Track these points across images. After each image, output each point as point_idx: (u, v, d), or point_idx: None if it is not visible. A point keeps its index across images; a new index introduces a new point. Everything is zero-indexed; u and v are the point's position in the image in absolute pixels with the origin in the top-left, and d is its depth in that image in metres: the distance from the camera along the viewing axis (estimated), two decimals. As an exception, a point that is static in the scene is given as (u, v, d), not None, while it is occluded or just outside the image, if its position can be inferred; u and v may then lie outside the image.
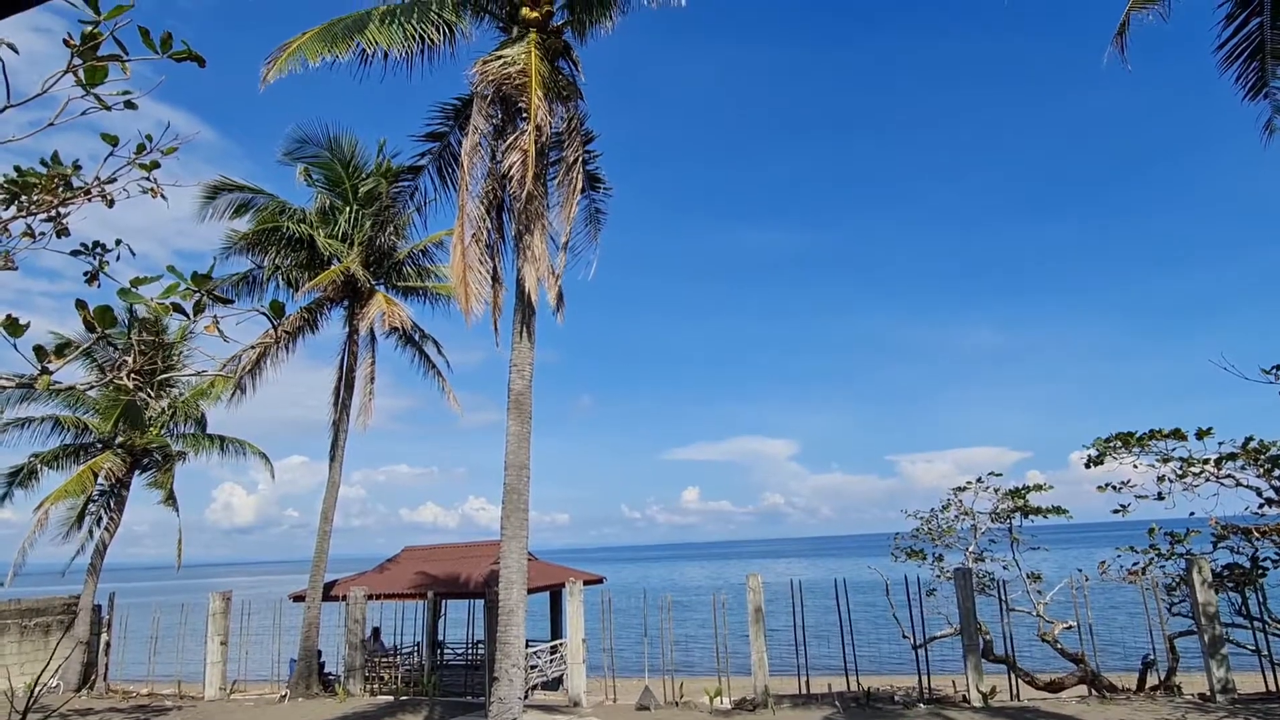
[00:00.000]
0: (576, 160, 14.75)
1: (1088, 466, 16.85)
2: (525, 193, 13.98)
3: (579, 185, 14.72)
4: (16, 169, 3.31)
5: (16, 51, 2.72)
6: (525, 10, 14.69)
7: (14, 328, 2.93)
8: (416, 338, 24.91)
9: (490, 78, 13.60)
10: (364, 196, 22.54)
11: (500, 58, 13.74)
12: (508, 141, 14.10)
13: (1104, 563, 17.32)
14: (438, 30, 14.29)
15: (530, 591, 15.18)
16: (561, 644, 24.13)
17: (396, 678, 21.59)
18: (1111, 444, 16.62)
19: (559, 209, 14.79)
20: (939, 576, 18.60)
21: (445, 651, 25.43)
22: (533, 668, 22.98)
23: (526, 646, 16.80)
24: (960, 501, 19.07)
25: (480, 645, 23.72)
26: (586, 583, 21.60)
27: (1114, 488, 16.63)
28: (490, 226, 14.95)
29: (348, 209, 22.66)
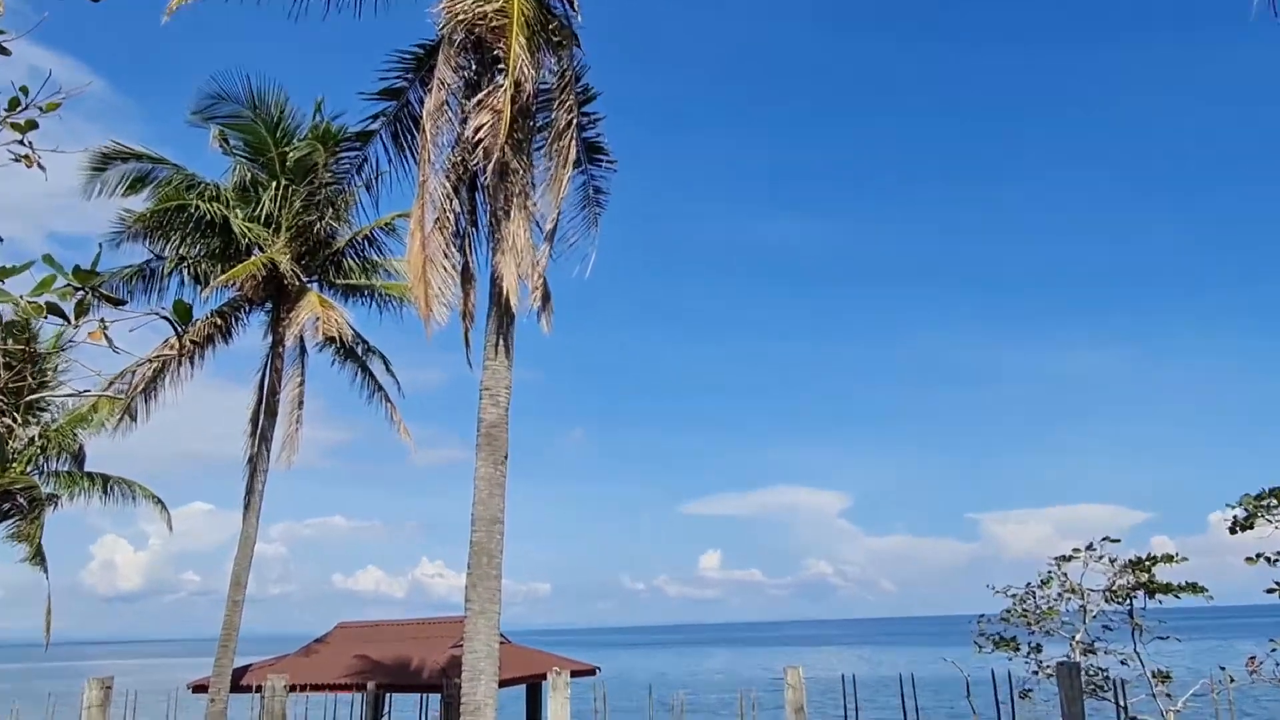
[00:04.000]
0: (570, 124, 14.84)
1: (1233, 532, 16.71)
2: (497, 163, 14.06)
3: (571, 156, 14.80)
4: None
5: None
6: (507, -68, 14.84)
7: None
8: (359, 351, 24.96)
9: (460, 18, 13.71)
10: (295, 168, 22.70)
11: (474, -8, 13.86)
12: (479, 99, 14.20)
13: (1253, 659, 17.13)
14: (395, -44, 14.46)
15: (502, 684, 15.09)
16: (541, 754, 23.95)
17: (326, 795, 21.45)
18: (1265, 502, 16.48)
19: (546, 186, 14.87)
20: (1036, 673, 18.46)
21: (389, 761, 25.30)
22: (503, 785, 22.81)
23: (496, 757, 16.66)
24: (1065, 575, 18.92)
25: (436, 754, 23.57)
26: (574, 674, 21.45)
27: (1268, 559, 16.49)
28: (460, 209, 15.02)
29: (273, 184, 22.81)
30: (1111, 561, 18.63)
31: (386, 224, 24.04)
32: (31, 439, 23.25)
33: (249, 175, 23.35)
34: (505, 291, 14.40)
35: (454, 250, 14.83)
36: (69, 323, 3.17)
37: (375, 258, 24.89)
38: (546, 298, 15.39)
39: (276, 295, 23.04)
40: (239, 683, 22.53)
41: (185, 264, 23.12)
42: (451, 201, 14.70)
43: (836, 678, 19.23)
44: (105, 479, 24.82)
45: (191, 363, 23.06)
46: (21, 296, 3.08)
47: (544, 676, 21.01)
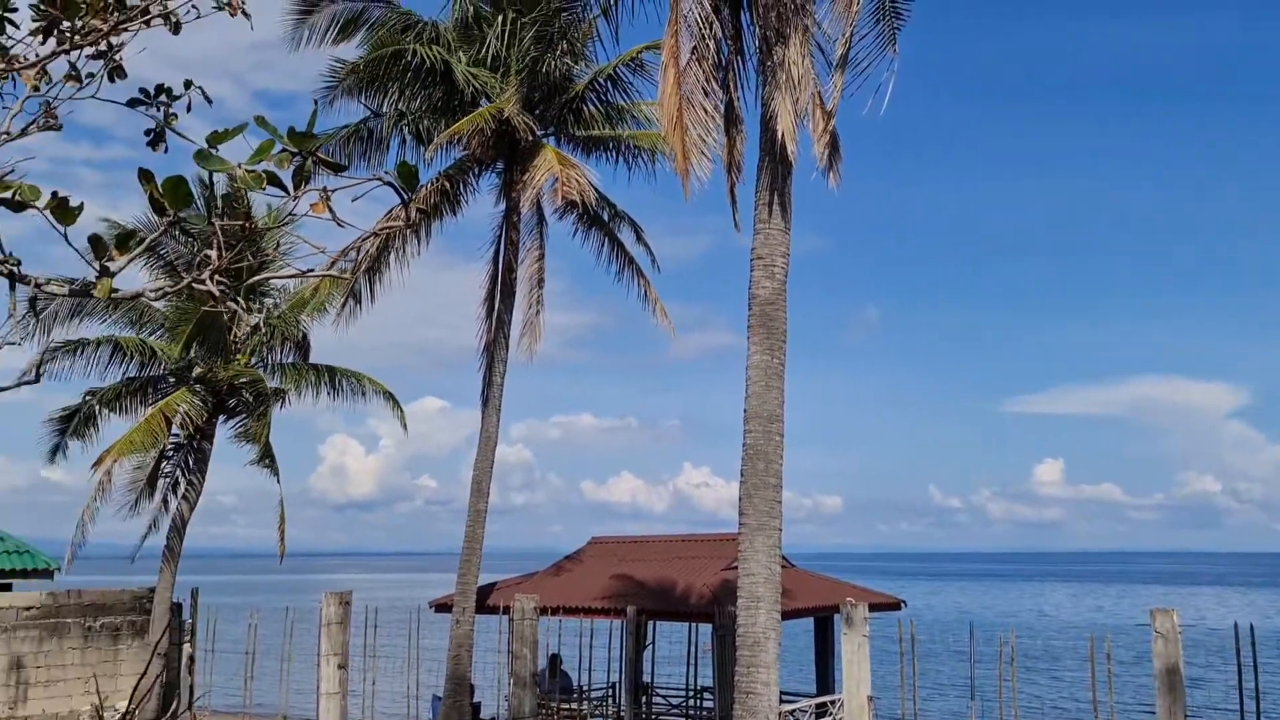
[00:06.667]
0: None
1: None
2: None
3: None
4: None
5: None
6: None
7: (65, 212, 3.16)
8: (605, 217, 25.40)
9: None
10: (524, -2, 22.94)
11: None
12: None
13: None
14: None
15: (785, 616, 15.43)
16: (834, 701, 24.43)
17: (584, 732, 22.92)
18: None
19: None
20: None
21: (654, 698, 26.57)
22: (789, 732, 23.46)
23: (780, 701, 17.01)
24: None
25: (707, 693, 24.55)
26: (874, 607, 21.59)
27: None
28: (722, 34, 14.87)
29: (500, 18, 23.21)
30: None
31: (632, 59, 24.08)
32: (256, 326, 25.33)
33: (471, 10, 23.87)
34: (780, 134, 14.12)
35: (715, 86, 14.74)
36: (288, 194, 3.27)
37: (620, 102, 25.11)
38: (835, 145, 15.04)
39: (509, 154, 23.65)
40: (484, 602, 24.23)
41: (405, 121, 24.20)
42: (711, 25, 14.51)
43: (1226, 627, 18.29)
44: (332, 371, 26.69)
45: (418, 236, 24.33)
46: (239, 165, 3.18)
47: (836, 609, 21.27)
